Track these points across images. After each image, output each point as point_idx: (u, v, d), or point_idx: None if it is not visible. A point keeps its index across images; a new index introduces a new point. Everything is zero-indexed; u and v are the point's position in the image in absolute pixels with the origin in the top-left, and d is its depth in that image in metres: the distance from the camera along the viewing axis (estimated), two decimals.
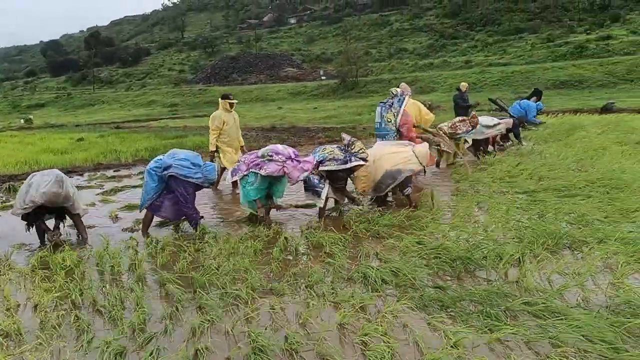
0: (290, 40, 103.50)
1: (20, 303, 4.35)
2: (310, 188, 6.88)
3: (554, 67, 38.19)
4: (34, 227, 6.26)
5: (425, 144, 7.71)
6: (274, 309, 3.93)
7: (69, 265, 5.10)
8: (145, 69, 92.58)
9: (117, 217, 7.39)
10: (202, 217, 6.72)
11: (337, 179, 6.92)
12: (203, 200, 8.10)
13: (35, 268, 5.13)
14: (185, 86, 67.91)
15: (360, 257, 5.02)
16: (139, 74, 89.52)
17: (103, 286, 4.62)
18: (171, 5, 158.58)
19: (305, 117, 29.99)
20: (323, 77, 66.37)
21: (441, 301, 3.85)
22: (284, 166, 6.45)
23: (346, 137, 7.01)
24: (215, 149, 8.99)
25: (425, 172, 8.33)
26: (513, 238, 5.22)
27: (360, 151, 6.78)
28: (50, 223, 6.40)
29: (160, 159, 6.52)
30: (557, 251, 4.86)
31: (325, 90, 48.44)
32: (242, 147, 9.32)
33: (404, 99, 8.64)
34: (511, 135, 12.92)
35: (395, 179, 7.03)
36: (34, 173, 6.35)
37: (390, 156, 7.14)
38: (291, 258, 5.20)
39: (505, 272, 4.42)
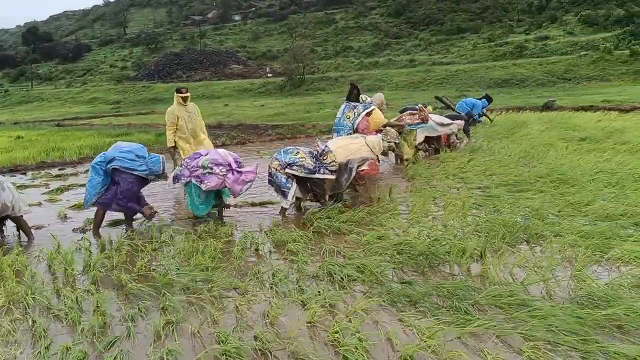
0: (235, 37, 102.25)
1: None
2: (276, 186, 6.78)
3: (495, 66, 39.26)
4: None
5: (378, 135, 7.76)
6: (239, 309, 3.85)
7: (18, 269, 4.84)
8: (86, 66, 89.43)
9: (66, 217, 7.10)
10: (156, 212, 6.54)
11: (313, 184, 6.83)
12: (159, 198, 7.89)
13: None
14: (128, 83, 66.03)
15: (323, 254, 4.99)
16: (80, 70, 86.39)
17: (57, 289, 4.40)
18: (113, 0, 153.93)
19: (253, 114, 29.70)
20: (269, 75, 65.98)
21: (409, 297, 3.87)
22: (224, 180, 6.29)
23: (320, 146, 6.91)
24: (173, 145, 8.72)
25: (379, 160, 8.34)
26: (472, 232, 5.31)
27: (332, 164, 6.70)
28: None
29: (104, 154, 6.32)
30: (515, 245, 4.98)
31: (272, 88, 48.12)
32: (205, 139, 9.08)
33: (370, 107, 8.70)
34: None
35: (350, 172, 7.01)
36: None
37: (342, 150, 7.09)
38: (254, 257, 5.11)
39: (468, 267, 4.48)
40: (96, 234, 6.25)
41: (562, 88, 32.05)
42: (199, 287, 4.25)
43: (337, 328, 3.37)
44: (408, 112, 10.45)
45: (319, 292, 4.04)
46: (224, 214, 6.75)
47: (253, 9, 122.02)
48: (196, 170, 6.37)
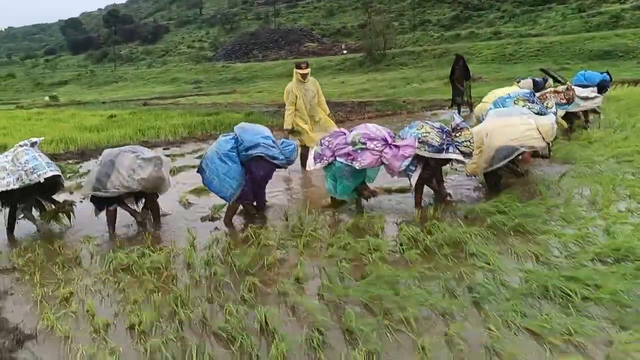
0: (309, 14, 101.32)
1: (109, 322, 3.42)
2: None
3: (594, 38, 36.26)
4: (105, 211, 5.40)
5: (551, 116, 6.54)
6: (450, 340, 2.94)
7: (157, 267, 4.18)
8: (165, 47, 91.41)
9: (188, 203, 6.47)
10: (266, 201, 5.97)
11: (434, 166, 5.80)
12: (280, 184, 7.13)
13: (115, 270, 4.22)
14: (207, 63, 66.78)
15: (516, 258, 4.01)
16: (159, 51, 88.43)
17: (210, 297, 3.67)
18: None
19: (336, 91, 28.76)
20: (344, 52, 64.78)
21: None
22: (381, 156, 5.42)
23: (456, 119, 5.77)
24: (291, 127, 7.95)
25: (550, 151, 7.15)
26: None
27: (465, 143, 5.57)
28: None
29: (232, 139, 5.54)
30: None
31: (351, 64, 46.82)
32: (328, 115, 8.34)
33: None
34: None
35: (508, 156, 5.94)
36: (109, 151, 5.54)
37: (504, 130, 6.01)
38: (426, 261, 4.15)
39: None
40: (229, 224, 5.56)
41: None
42: (384, 302, 3.39)
43: None
44: (550, 90, 9.16)
45: (546, 315, 3.08)
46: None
47: None
48: (343, 148, 5.53)
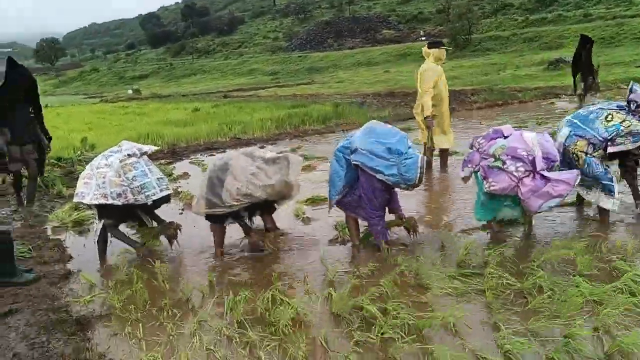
0: (384, 1, 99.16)
1: None
2: (590, 179, 4.50)
3: None
4: (216, 226, 4.42)
5: None
6: None
7: (298, 320, 3.07)
8: (241, 38, 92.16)
9: (307, 218, 5.33)
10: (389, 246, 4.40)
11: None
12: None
13: (241, 323, 3.14)
14: (283, 54, 66.46)
15: None
16: (235, 42, 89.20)
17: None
18: None
19: None
20: (422, 38, 62.60)
21: None
22: (517, 185, 4.06)
23: (637, 92, 4.40)
24: (432, 114, 6.71)
25: None
26: None
27: None
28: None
29: (351, 136, 4.35)
30: None
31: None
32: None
33: None
34: None
35: None
36: (222, 156, 4.64)
37: None
38: None
39: None
40: (357, 246, 4.40)
41: None
42: None
43: None
44: None
45: None
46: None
47: None
48: (486, 158, 4.24)
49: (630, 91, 4.45)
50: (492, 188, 4.14)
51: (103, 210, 4.37)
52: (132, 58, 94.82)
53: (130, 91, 40.41)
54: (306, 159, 8.25)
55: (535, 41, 37.62)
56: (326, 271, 3.76)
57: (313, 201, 5.75)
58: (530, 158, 4.02)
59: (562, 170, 4.22)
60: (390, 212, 4.57)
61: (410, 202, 5.30)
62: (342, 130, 11.46)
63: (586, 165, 4.38)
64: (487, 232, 4.47)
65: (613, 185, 4.41)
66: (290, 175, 4.25)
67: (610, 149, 4.39)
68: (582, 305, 3.08)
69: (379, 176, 4.10)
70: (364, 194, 4.22)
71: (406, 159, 4.10)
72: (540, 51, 34.74)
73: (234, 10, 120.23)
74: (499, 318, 3.01)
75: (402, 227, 4.52)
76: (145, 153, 4.48)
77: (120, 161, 4.27)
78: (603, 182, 4.41)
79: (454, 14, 45.96)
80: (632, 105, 4.40)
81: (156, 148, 4.96)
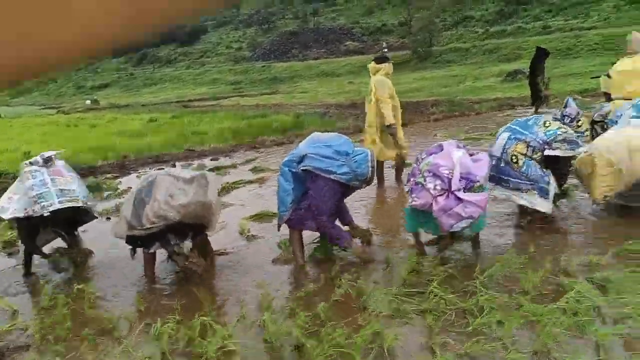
0: (348, 13, 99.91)
1: None
2: (525, 183, 4.49)
3: None
4: (143, 252, 4.15)
5: None
6: None
7: (229, 350, 2.88)
8: (203, 47, 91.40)
9: (252, 236, 5.08)
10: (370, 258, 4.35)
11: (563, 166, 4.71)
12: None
13: (168, 355, 2.93)
14: (246, 63, 66.18)
15: None
16: (197, 52, 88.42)
17: None
18: None
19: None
20: (386, 50, 63.25)
21: None
22: (433, 202, 3.96)
23: (573, 107, 4.60)
24: (393, 122, 6.59)
25: None
26: None
27: (586, 134, 4.59)
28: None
29: (295, 150, 4.26)
30: None
31: (396, 63, 45.37)
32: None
33: None
34: None
35: None
36: (148, 175, 4.24)
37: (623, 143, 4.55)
38: None
39: None
40: (301, 264, 4.25)
41: None
42: None
43: None
44: None
45: None
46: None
47: None
48: (418, 173, 4.16)
49: (566, 106, 4.66)
50: (413, 203, 4.07)
51: (16, 225, 4.13)
52: (92, 67, 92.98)
53: (88, 102, 39.48)
54: (260, 171, 8.09)
55: (494, 53, 38.38)
56: (265, 294, 3.58)
57: (260, 217, 5.55)
58: (450, 177, 3.94)
59: (485, 189, 4.16)
60: (343, 225, 4.50)
61: (357, 216, 5.17)
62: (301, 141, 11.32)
63: (525, 167, 4.47)
64: (435, 247, 4.39)
65: (549, 190, 4.47)
66: (208, 195, 3.98)
67: (547, 152, 4.49)
68: (523, 326, 2.98)
69: (332, 176, 4.06)
70: (314, 202, 4.12)
71: (355, 155, 4.15)
72: (499, 63, 35.41)
73: (197, 20, 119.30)
74: (437, 341, 2.89)
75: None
76: (49, 160, 4.23)
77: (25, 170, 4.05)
78: (540, 184, 4.48)
79: (415, 27, 46.55)
80: (566, 119, 4.59)
81: (62, 151, 4.72)
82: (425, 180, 3.99)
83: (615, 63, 7.65)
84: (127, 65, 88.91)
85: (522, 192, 4.54)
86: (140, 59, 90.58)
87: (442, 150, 4.17)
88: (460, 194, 3.89)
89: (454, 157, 4.02)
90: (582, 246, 4.21)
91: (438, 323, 3.12)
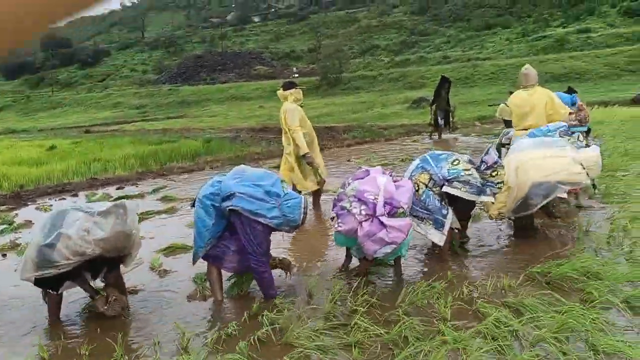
0: (257, 38, 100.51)
1: None
2: (423, 211, 4.57)
3: (549, 60, 36.60)
4: (49, 293, 3.80)
5: (595, 148, 5.48)
6: None
7: None
8: (106, 70, 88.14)
9: (164, 271, 4.78)
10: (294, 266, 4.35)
11: (464, 206, 4.83)
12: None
13: None
14: (152, 87, 64.41)
15: None
16: (100, 75, 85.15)
17: None
18: (130, 5, 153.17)
19: None
20: (296, 75, 64.08)
21: None
22: (358, 228, 4.00)
23: (492, 155, 4.73)
24: (308, 151, 6.49)
25: (595, 187, 6.11)
26: None
27: (499, 185, 4.67)
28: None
29: (219, 182, 4.06)
30: None
31: (306, 88, 45.80)
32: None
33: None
34: None
35: (547, 195, 4.82)
36: (51, 212, 3.94)
37: (541, 162, 4.91)
38: None
39: None
40: (219, 301, 4.05)
41: (629, 81, 29.37)
42: None
43: None
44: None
45: None
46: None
47: (272, 9, 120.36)
48: (343, 199, 4.16)
49: (486, 153, 4.74)
50: (339, 228, 4.08)
51: None
52: None
53: None
54: (170, 200, 7.77)
55: (400, 81, 39.84)
56: (182, 334, 3.35)
57: (172, 250, 5.27)
58: (373, 202, 3.97)
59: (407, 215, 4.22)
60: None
61: (278, 244, 5.05)
62: (211, 167, 11.07)
63: (424, 197, 4.57)
64: (355, 275, 4.35)
65: (445, 222, 4.57)
66: (127, 224, 3.72)
67: (444, 189, 4.59)
68: (446, 355, 2.98)
69: (261, 219, 3.84)
70: (247, 242, 3.89)
71: (288, 199, 3.93)
72: (405, 90, 36.79)
73: (99, 42, 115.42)
74: None
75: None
76: None
77: None
78: (436, 216, 4.56)
79: (324, 53, 47.51)
80: (482, 165, 4.67)
81: None
82: (350, 205, 4.00)
83: (511, 92, 8.19)
84: (23, 88, 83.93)
85: (420, 220, 4.63)
86: (37, 81, 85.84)
87: (368, 175, 4.19)
88: (384, 219, 3.91)
89: (379, 182, 4.05)
90: (495, 270, 4.32)
91: (364, 357, 3.05)
